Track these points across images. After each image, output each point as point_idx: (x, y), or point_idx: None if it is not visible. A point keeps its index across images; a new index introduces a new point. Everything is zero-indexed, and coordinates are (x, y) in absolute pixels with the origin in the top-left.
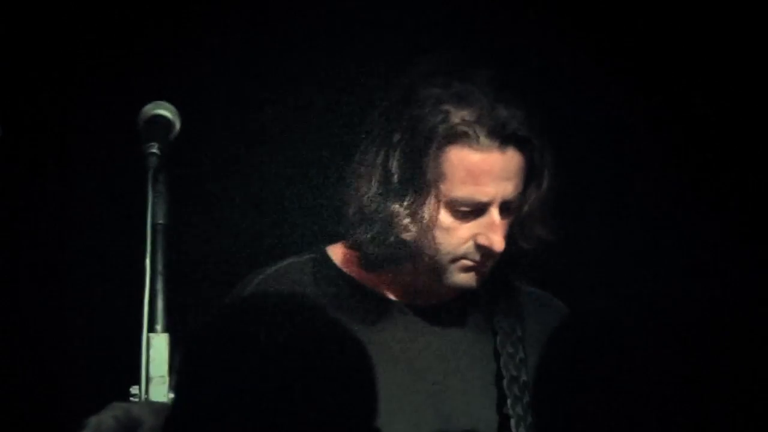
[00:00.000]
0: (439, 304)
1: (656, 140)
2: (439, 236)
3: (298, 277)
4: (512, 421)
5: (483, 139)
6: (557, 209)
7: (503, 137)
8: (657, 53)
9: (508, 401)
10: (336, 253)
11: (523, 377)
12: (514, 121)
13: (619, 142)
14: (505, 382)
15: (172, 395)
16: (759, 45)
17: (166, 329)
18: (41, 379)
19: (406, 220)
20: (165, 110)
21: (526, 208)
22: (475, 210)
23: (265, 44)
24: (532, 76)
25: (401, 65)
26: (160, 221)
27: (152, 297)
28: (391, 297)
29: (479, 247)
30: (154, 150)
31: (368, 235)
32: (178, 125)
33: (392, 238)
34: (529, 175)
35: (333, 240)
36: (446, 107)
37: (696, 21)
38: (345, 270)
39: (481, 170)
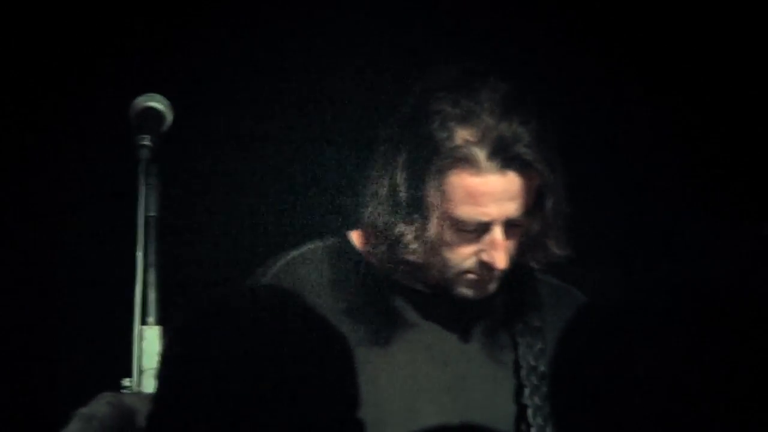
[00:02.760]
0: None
1: (675, 131)
2: (445, 253)
3: (320, 264)
4: (529, 411)
5: (483, 161)
6: (575, 204)
7: (503, 159)
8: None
9: (526, 391)
10: (358, 239)
11: (542, 367)
12: (517, 142)
13: (639, 133)
14: (523, 372)
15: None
16: (759, 39)
17: (158, 322)
18: (33, 372)
19: (413, 244)
20: (157, 102)
21: (534, 226)
22: (478, 228)
23: (258, 35)
24: (546, 79)
25: (407, 65)
26: (152, 213)
27: (144, 289)
28: (413, 287)
29: (483, 263)
30: (146, 142)
31: (377, 252)
32: (170, 117)
33: (400, 257)
34: (536, 194)
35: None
36: (451, 125)
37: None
38: (367, 257)
39: (481, 192)
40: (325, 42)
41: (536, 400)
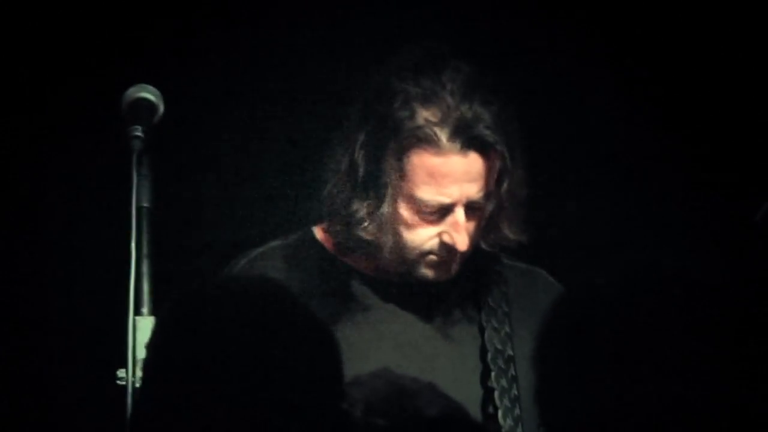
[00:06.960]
0: (423, 281)
1: (650, 116)
2: (404, 233)
3: (283, 259)
4: (496, 394)
5: (444, 142)
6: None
7: (465, 140)
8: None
9: (492, 374)
10: (322, 233)
11: (509, 351)
12: (478, 123)
13: (613, 117)
14: (489, 356)
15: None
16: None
17: (152, 312)
18: (28, 363)
19: (365, 221)
20: (149, 93)
21: (490, 208)
22: (440, 210)
23: (248, 27)
24: (512, 64)
25: (381, 53)
26: (145, 204)
27: (138, 280)
28: (376, 276)
29: (444, 245)
30: (138, 133)
31: (336, 229)
32: (161, 108)
33: (353, 234)
34: (497, 176)
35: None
36: (413, 104)
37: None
38: (331, 250)
39: (442, 173)
40: (317, 33)
41: (503, 382)
